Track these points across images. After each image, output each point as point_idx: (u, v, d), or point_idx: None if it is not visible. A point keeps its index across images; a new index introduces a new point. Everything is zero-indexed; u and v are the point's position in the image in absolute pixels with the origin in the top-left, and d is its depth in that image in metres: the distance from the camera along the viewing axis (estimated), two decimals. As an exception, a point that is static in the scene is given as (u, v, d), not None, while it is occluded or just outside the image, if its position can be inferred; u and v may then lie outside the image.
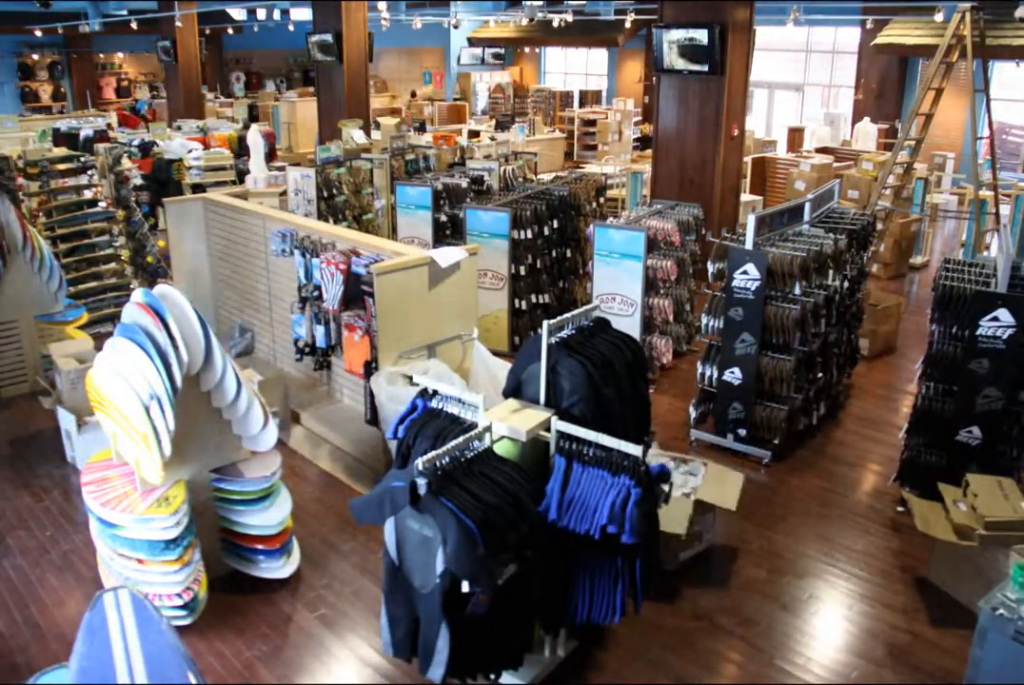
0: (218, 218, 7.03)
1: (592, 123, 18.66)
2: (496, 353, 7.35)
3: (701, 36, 8.39)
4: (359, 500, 3.23)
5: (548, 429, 3.48)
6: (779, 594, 4.37)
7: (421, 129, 15.32)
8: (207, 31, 21.88)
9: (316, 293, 5.74)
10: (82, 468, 4.38)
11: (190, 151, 10.77)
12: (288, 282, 6.31)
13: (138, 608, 2.19)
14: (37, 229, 7.25)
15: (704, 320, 5.83)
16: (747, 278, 5.42)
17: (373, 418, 5.53)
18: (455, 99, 22.37)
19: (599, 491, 3.24)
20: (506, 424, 3.45)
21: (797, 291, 5.49)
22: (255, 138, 9.85)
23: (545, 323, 3.53)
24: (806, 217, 6.10)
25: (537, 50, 23.87)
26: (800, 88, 18.92)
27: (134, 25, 18.79)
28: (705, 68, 8.53)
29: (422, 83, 23.99)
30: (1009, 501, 4.22)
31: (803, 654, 3.95)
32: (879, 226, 9.24)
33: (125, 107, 21.74)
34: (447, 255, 5.44)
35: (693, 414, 5.96)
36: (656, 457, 4.66)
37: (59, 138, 11.44)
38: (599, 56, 22.83)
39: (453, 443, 3.14)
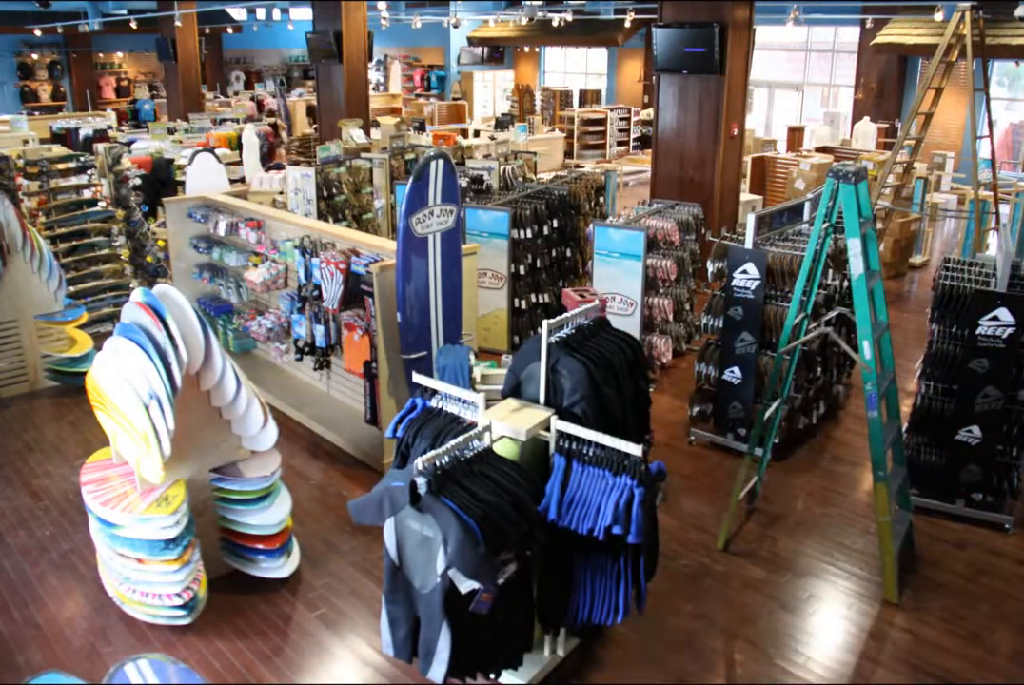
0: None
1: (592, 122, 18.66)
2: (496, 353, 7.35)
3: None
4: (357, 501, 3.22)
5: (548, 428, 3.48)
6: (779, 594, 4.36)
7: (421, 129, 15.31)
8: (207, 31, 21.89)
9: (316, 293, 5.74)
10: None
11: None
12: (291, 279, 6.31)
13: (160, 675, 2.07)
14: (36, 229, 7.25)
15: (704, 319, 5.83)
16: (747, 277, 5.42)
17: (373, 418, 5.53)
18: (455, 99, 22.37)
19: (600, 491, 3.24)
20: (506, 423, 3.44)
21: (797, 290, 5.49)
22: (250, 137, 9.86)
23: (545, 322, 3.52)
24: (806, 216, 6.09)
25: (536, 49, 23.88)
26: (800, 87, 18.93)
27: (133, 25, 18.79)
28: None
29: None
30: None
31: (803, 654, 3.95)
32: (879, 225, 9.24)
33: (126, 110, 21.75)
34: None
35: (691, 412, 5.97)
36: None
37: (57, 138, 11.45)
38: (599, 56, 22.84)
39: (452, 442, 3.14)
